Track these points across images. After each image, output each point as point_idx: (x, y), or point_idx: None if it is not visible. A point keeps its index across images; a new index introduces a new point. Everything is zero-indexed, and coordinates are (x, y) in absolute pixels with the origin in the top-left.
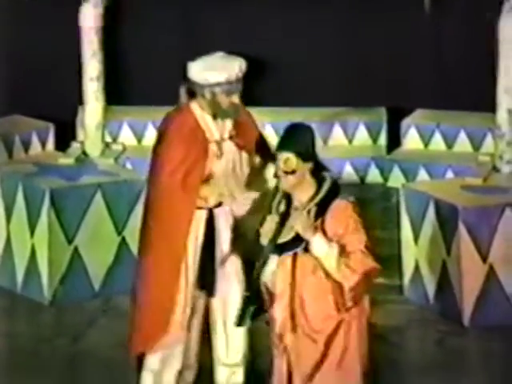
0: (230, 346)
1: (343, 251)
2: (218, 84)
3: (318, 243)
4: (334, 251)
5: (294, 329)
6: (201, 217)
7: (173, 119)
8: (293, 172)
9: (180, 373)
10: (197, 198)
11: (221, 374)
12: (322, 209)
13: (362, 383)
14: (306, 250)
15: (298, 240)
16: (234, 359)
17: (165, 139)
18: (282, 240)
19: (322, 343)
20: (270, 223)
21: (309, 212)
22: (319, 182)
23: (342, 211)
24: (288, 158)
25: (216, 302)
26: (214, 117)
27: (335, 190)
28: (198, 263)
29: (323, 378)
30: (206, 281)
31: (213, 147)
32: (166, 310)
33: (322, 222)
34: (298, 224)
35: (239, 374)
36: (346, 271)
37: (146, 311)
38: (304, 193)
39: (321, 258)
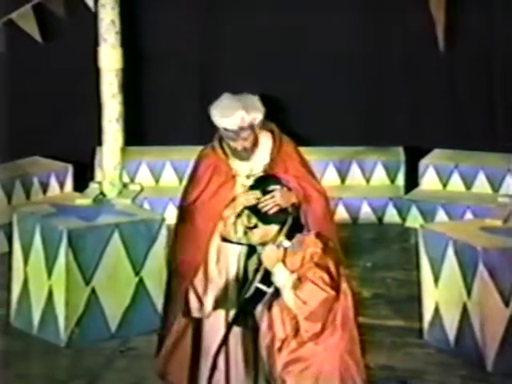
0: None
1: (299, 283)
2: (223, 129)
3: (279, 272)
4: (289, 282)
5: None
6: (241, 252)
7: (200, 160)
8: (256, 226)
9: None
10: (217, 221)
11: None
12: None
13: None
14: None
15: (261, 291)
16: None
17: (192, 176)
18: (247, 295)
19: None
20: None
21: (278, 246)
22: (283, 222)
23: (300, 245)
24: (250, 215)
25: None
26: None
27: (297, 226)
28: (242, 297)
29: None
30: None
31: (242, 181)
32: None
33: (284, 256)
34: (264, 256)
35: None
36: (299, 302)
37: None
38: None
39: (280, 288)
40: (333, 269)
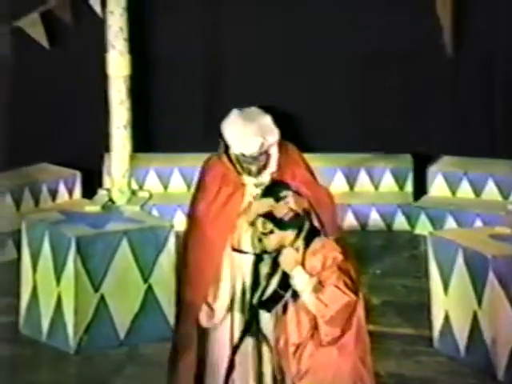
0: None
1: (321, 286)
2: (241, 154)
3: (298, 276)
4: (310, 286)
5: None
6: (248, 261)
7: (206, 169)
8: (272, 232)
9: None
10: (229, 231)
11: None
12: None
13: None
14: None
15: (279, 294)
16: None
17: (200, 185)
18: (263, 298)
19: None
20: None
21: (297, 249)
22: (299, 227)
23: (320, 248)
24: (265, 221)
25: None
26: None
27: (314, 231)
28: (247, 307)
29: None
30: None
31: (250, 189)
32: None
33: (303, 260)
34: (283, 259)
35: None
36: (320, 306)
37: None
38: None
39: (299, 292)
40: (353, 273)
